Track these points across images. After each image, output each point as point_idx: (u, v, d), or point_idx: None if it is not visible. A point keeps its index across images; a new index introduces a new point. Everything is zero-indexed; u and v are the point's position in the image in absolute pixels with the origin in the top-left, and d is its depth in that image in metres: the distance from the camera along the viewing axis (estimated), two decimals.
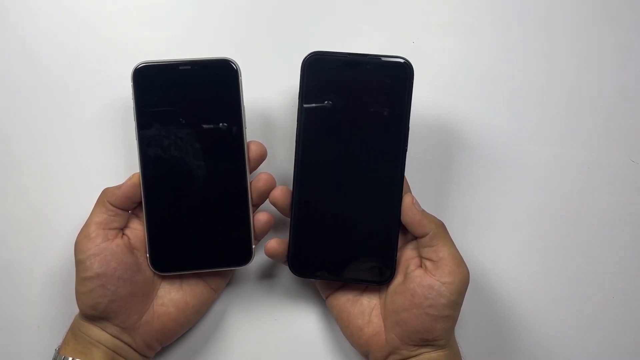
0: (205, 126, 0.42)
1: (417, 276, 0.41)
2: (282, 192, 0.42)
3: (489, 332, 0.49)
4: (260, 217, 0.43)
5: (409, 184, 0.43)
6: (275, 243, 0.43)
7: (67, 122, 0.48)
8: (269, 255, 0.43)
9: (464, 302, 0.42)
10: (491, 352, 0.49)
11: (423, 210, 0.42)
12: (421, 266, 0.42)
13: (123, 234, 0.43)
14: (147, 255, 0.42)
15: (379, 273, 0.43)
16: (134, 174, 0.42)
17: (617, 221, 0.50)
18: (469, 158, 0.49)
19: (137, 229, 0.43)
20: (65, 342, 0.42)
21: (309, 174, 0.42)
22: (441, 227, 0.42)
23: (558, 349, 0.49)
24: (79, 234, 0.42)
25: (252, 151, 0.43)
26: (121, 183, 0.42)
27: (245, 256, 0.43)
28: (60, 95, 0.48)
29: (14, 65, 0.48)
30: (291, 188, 0.43)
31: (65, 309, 0.47)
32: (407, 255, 0.43)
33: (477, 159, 0.49)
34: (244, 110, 0.42)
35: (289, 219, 0.43)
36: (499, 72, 0.50)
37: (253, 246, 0.43)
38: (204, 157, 0.42)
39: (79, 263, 0.41)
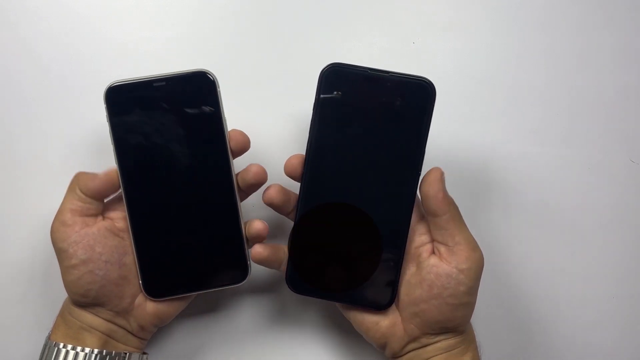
0: (186, 142, 0.40)
1: (432, 265, 0.40)
2: (277, 191, 0.41)
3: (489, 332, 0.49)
4: (254, 226, 0.41)
5: None
6: (260, 248, 0.41)
7: (66, 122, 0.48)
8: (257, 262, 0.41)
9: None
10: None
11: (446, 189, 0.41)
12: (434, 252, 0.41)
13: (104, 217, 0.41)
14: (140, 282, 0.41)
15: (378, 297, 0.41)
16: (111, 169, 0.40)
17: (617, 221, 0.50)
18: (468, 159, 0.49)
19: (120, 210, 0.41)
20: (55, 327, 0.41)
21: (316, 192, 0.40)
22: (457, 209, 0.41)
23: (558, 349, 0.49)
24: (54, 221, 0.40)
25: (234, 142, 0.40)
26: (95, 174, 0.40)
27: (241, 273, 0.42)
28: (60, 95, 0.48)
29: (14, 65, 0.48)
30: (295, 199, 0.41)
31: None
32: (417, 242, 0.42)
33: (477, 160, 0.49)
34: (225, 123, 0.40)
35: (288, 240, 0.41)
36: (499, 72, 0.50)
37: (248, 262, 0.42)
38: (189, 175, 0.40)
39: (61, 252, 0.39)
